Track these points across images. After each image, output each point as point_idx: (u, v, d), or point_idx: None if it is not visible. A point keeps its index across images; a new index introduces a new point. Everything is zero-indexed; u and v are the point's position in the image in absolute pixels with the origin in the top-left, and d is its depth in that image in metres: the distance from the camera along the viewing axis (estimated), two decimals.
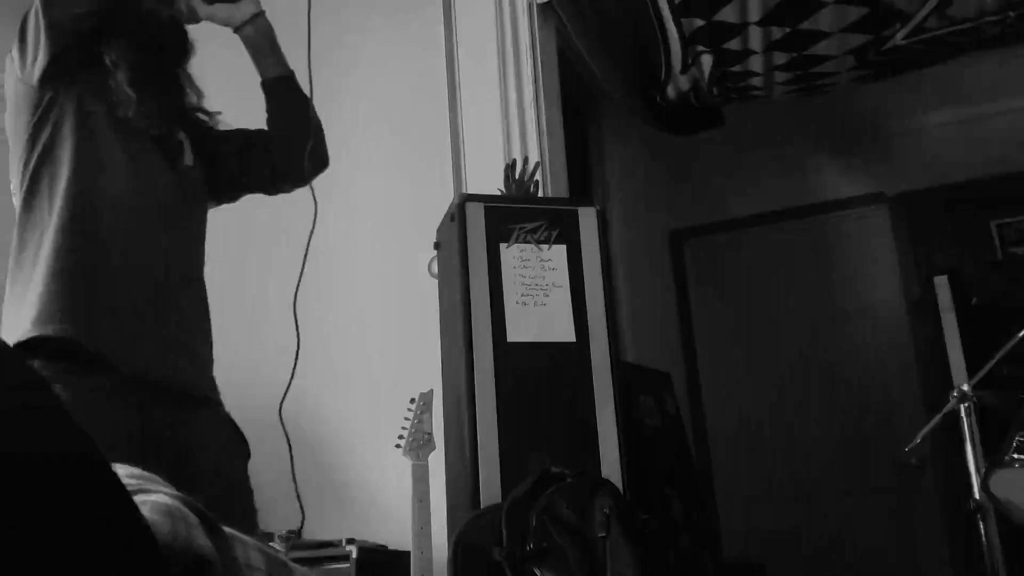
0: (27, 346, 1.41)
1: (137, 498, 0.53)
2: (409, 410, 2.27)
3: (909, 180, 4.60)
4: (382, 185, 3.11)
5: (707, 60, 3.43)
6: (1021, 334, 2.55)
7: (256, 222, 2.82)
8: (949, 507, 4.04)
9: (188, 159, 1.70)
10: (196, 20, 1.70)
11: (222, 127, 1.79)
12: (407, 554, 2.16)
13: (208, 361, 1.65)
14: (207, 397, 1.62)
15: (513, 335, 2.37)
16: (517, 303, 2.41)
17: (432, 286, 2.72)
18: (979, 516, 2.54)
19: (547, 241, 2.48)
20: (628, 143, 4.65)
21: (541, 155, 2.97)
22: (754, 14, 3.17)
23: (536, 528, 1.97)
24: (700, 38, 3.33)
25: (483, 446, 2.26)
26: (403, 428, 2.25)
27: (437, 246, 2.67)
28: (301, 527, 1.97)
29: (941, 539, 4.19)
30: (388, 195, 3.11)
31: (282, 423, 1.69)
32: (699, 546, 3.29)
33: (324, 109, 1.84)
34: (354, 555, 2.45)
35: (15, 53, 1.53)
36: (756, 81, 3.60)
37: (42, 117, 1.53)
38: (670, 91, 3.67)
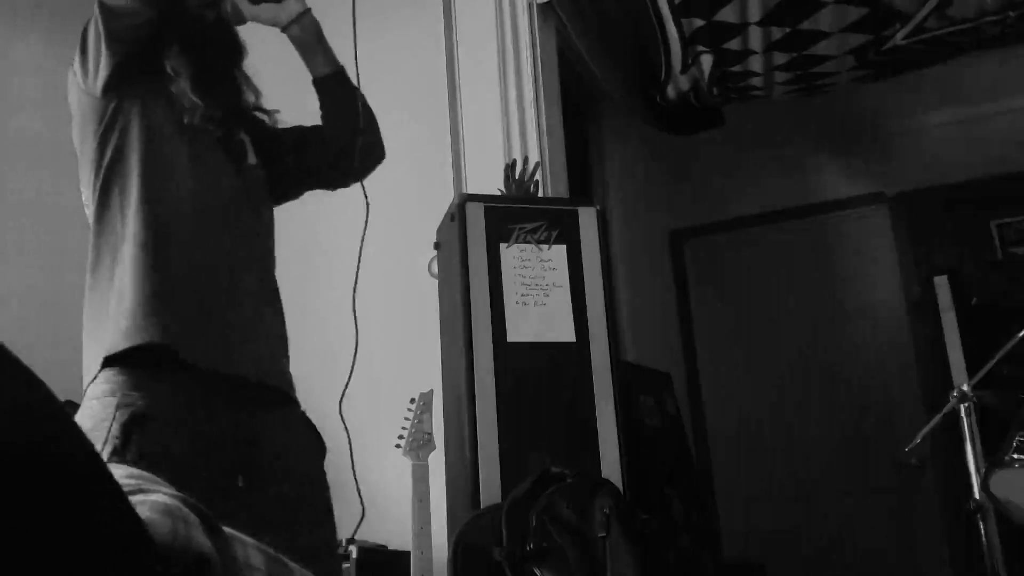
0: (120, 358, 1.43)
1: (136, 498, 0.53)
2: (409, 410, 2.27)
3: (909, 180, 4.60)
4: (382, 185, 3.11)
5: (707, 60, 3.43)
6: (1021, 334, 2.55)
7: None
8: (949, 507, 4.04)
9: (251, 159, 1.71)
10: (242, 21, 1.71)
11: (280, 125, 1.80)
12: (407, 554, 2.16)
13: (285, 358, 1.66)
14: (286, 395, 1.63)
15: (513, 335, 2.37)
16: (517, 303, 2.41)
17: (432, 286, 2.72)
18: (979, 516, 2.54)
19: (547, 241, 2.48)
20: (628, 143, 4.65)
21: (541, 155, 2.97)
22: (754, 14, 3.18)
23: (536, 528, 1.97)
24: (700, 38, 3.33)
25: (483, 446, 2.26)
26: (403, 428, 2.25)
27: (437, 246, 2.67)
28: (360, 524, 1.97)
29: (941, 539, 4.19)
30: (388, 195, 3.10)
31: (343, 419, 1.74)
32: (699, 546, 3.29)
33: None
34: (354, 555, 2.45)
35: (77, 66, 1.55)
36: (756, 81, 3.60)
37: (108, 127, 1.54)
38: (670, 91, 3.67)
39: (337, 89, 1.78)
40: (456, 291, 2.43)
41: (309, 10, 1.74)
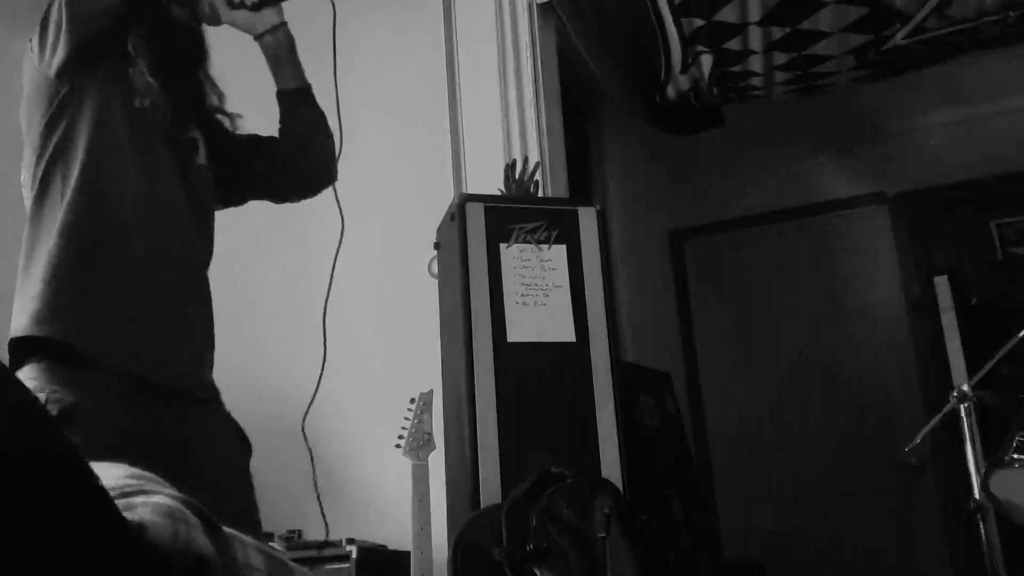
0: (25, 344, 1.41)
1: (137, 499, 0.53)
2: (409, 410, 2.27)
3: (909, 180, 4.60)
4: (382, 185, 3.11)
5: (707, 60, 3.43)
6: (1021, 334, 2.55)
7: (256, 229, 2.82)
8: (949, 507, 4.04)
9: (201, 158, 1.70)
10: (218, 23, 1.71)
11: (240, 131, 1.79)
12: (407, 554, 2.16)
13: (209, 361, 1.65)
14: (209, 396, 1.62)
15: (513, 335, 2.37)
16: (517, 303, 2.41)
17: (432, 286, 2.72)
18: (979, 516, 2.54)
19: (547, 241, 2.48)
20: (628, 143, 4.65)
21: (541, 155, 2.97)
22: (754, 14, 3.17)
23: (536, 528, 1.97)
24: (700, 38, 3.33)
25: (483, 446, 2.26)
26: (403, 428, 2.25)
27: (437, 246, 2.67)
28: (326, 538, 1.98)
29: (941, 539, 4.19)
30: (388, 195, 3.11)
31: (304, 436, 1.71)
32: (699, 546, 3.29)
33: (323, 108, 1.85)
34: (354, 555, 2.45)
35: (35, 43, 1.51)
36: (756, 81, 3.60)
37: (57, 111, 1.51)
38: (670, 91, 3.67)
39: (299, 105, 1.78)
40: (456, 291, 2.43)
41: (285, 24, 1.75)
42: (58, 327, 1.42)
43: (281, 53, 1.75)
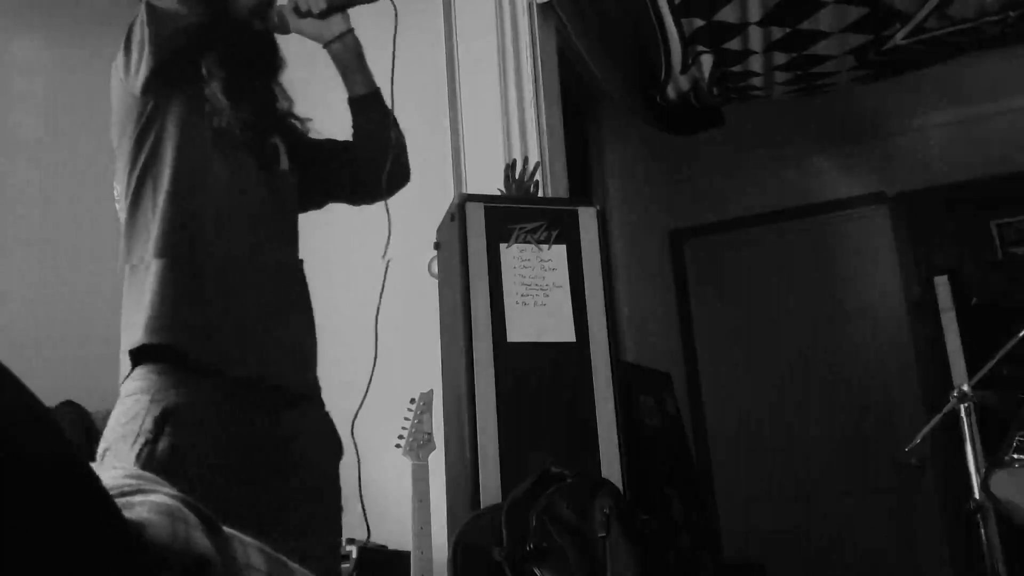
0: (140, 352, 1.46)
1: (136, 499, 0.53)
2: (409, 410, 2.27)
3: (909, 180, 4.60)
4: None
5: (707, 60, 3.43)
6: (1021, 334, 2.55)
7: None
8: (949, 507, 4.04)
9: (284, 164, 1.73)
10: (287, 32, 1.74)
11: (312, 134, 1.83)
12: (407, 554, 2.16)
13: (312, 360, 1.69)
14: (310, 396, 1.66)
15: (513, 335, 2.37)
16: (517, 303, 2.41)
17: (432, 286, 2.72)
18: (979, 516, 2.54)
19: (547, 241, 2.48)
20: (628, 143, 4.65)
21: (541, 155, 2.97)
22: (754, 14, 3.17)
23: (536, 528, 1.97)
24: (700, 38, 3.33)
25: (483, 446, 2.26)
26: (403, 428, 2.25)
27: (437, 246, 2.67)
28: (367, 540, 2.00)
29: (941, 539, 4.19)
30: None
31: (353, 440, 1.72)
32: (699, 546, 3.29)
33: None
34: (354, 555, 2.45)
35: (120, 63, 1.56)
36: (756, 81, 3.60)
37: (146, 126, 1.56)
38: (670, 91, 3.67)
39: (371, 110, 1.81)
40: (456, 291, 2.43)
41: (352, 30, 1.78)
42: (169, 334, 1.47)
43: (350, 60, 1.79)
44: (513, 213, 2.50)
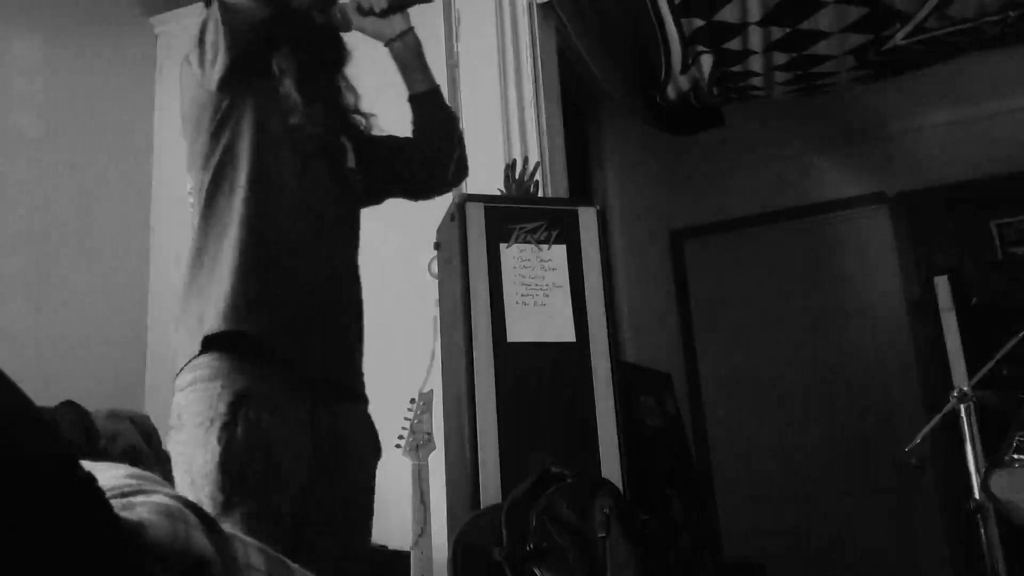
0: (214, 340, 1.47)
1: (137, 499, 0.53)
2: (409, 410, 2.27)
3: (909, 180, 4.60)
4: None
5: (707, 60, 3.43)
6: (1021, 334, 2.55)
7: None
8: (949, 507, 4.04)
9: (350, 161, 1.76)
10: (348, 29, 1.76)
11: (375, 131, 1.85)
12: (407, 554, 2.16)
13: (361, 357, 1.72)
14: (359, 394, 1.69)
15: (513, 335, 2.37)
16: (517, 303, 2.41)
17: (432, 286, 2.72)
18: (979, 516, 2.54)
19: (547, 241, 2.48)
20: (628, 143, 4.65)
21: (541, 155, 2.97)
22: (754, 14, 3.17)
23: (536, 528, 1.97)
24: (700, 38, 3.33)
25: (483, 446, 2.26)
26: (403, 428, 2.25)
27: (437, 246, 2.67)
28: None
29: (941, 539, 4.19)
30: None
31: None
32: (699, 546, 3.29)
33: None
34: None
35: (193, 60, 1.58)
36: (756, 81, 3.60)
37: (221, 122, 1.59)
38: (670, 91, 3.67)
39: (432, 106, 1.84)
40: (456, 291, 2.42)
41: (412, 29, 1.80)
42: (245, 323, 1.48)
43: (410, 58, 1.81)
44: (513, 213, 2.50)
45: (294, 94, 1.63)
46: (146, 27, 3.89)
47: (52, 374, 3.04)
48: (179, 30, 3.88)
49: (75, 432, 2.54)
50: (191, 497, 1.37)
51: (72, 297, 3.33)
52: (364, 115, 1.82)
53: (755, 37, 3.28)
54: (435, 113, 1.85)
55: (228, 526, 1.31)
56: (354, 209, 1.78)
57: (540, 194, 2.82)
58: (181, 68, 1.64)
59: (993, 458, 2.45)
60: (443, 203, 2.69)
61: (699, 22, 3.24)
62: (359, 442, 1.64)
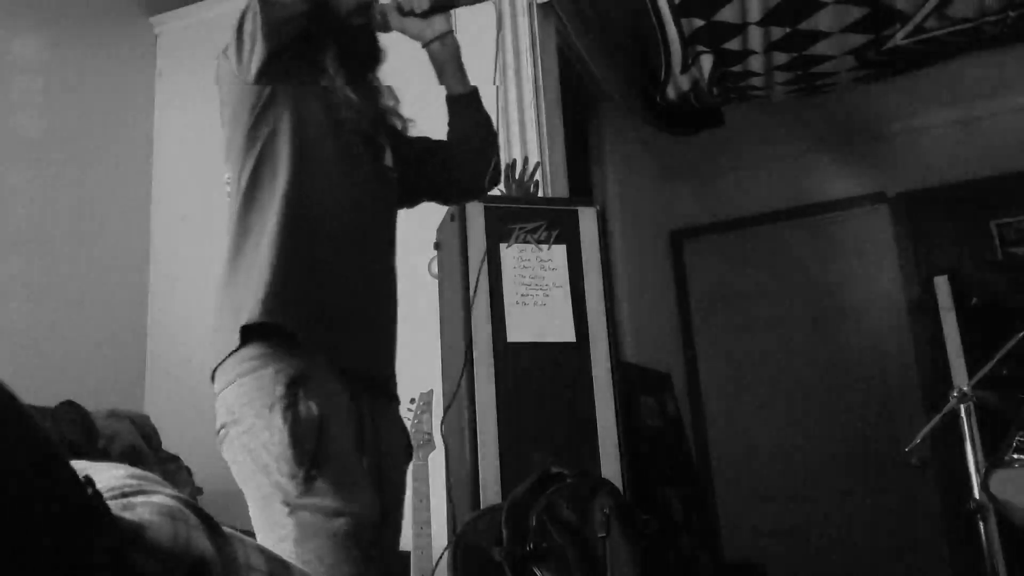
0: (256, 331, 1.44)
1: (137, 499, 0.53)
2: (409, 410, 2.27)
3: (909, 180, 4.60)
4: None
5: (707, 60, 3.43)
6: (1021, 334, 2.55)
7: None
8: (949, 507, 4.04)
9: (388, 160, 1.74)
10: (387, 30, 1.76)
11: (410, 133, 1.84)
12: (407, 554, 2.16)
13: (395, 356, 1.71)
14: (395, 394, 1.69)
15: (513, 335, 2.37)
16: (517, 303, 2.41)
17: (432, 286, 2.72)
18: (979, 516, 2.54)
19: (547, 241, 2.48)
20: (628, 143, 4.65)
21: (541, 155, 2.97)
22: (754, 14, 3.17)
23: (536, 528, 1.97)
24: (700, 38, 3.33)
25: (483, 446, 2.26)
26: None
27: (437, 246, 2.67)
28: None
29: (941, 539, 4.19)
30: None
31: (443, 437, 1.74)
32: (699, 546, 3.29)
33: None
34: None
35: (232, 52, 1.57)
36: (756, 81, 3.60)
37: (261, 113, 1.57)
38: (670, 91, 3.67)
39: (467, 109, 1.84)
40: (456, 291, 2.42)
41: (452, 31, 1.80)
42: (283, 316, 1.45)
43: (449, 60, 1.81)
44: (513, 213, 2.50)
45: (340, 88, 1.62)
46: (146, 27, 3.89)
47: (52, 374, 3.04)
48: (179, 30, 3.88)
49: (75, 432, 2.54)
50: (267, 485, 1.35)
51: (72, 297, 3.33)
52: (403, 118, 1.82)
53: (755, 37, 3.28)
54: (473, 116, 1.84)
55: (317, 500, 1.33)
56: (392, 208, 1.76)
57: (540, 194, 2.82)
58: (218, 60, 1.62)
59: (993, 458, 2.45)
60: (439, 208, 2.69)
61: (699, 22, 3.24)
62: (393, 442, 1.63)
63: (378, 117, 1.74)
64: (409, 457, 1.69)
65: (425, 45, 1.80)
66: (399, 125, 1.81)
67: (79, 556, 0.44)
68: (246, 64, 1.54)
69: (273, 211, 1.52)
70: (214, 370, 1.47)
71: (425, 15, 1.74)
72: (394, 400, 1.69)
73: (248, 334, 1.44)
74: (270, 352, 1.43)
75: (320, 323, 1.50)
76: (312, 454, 1.36)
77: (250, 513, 1.43)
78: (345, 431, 1.44)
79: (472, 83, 1.85)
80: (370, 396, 1.57)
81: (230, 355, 1.44)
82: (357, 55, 1.71)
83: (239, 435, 1.41)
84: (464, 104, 1.84)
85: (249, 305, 1.45)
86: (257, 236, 1.52)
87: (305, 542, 1.33)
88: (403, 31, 1.76)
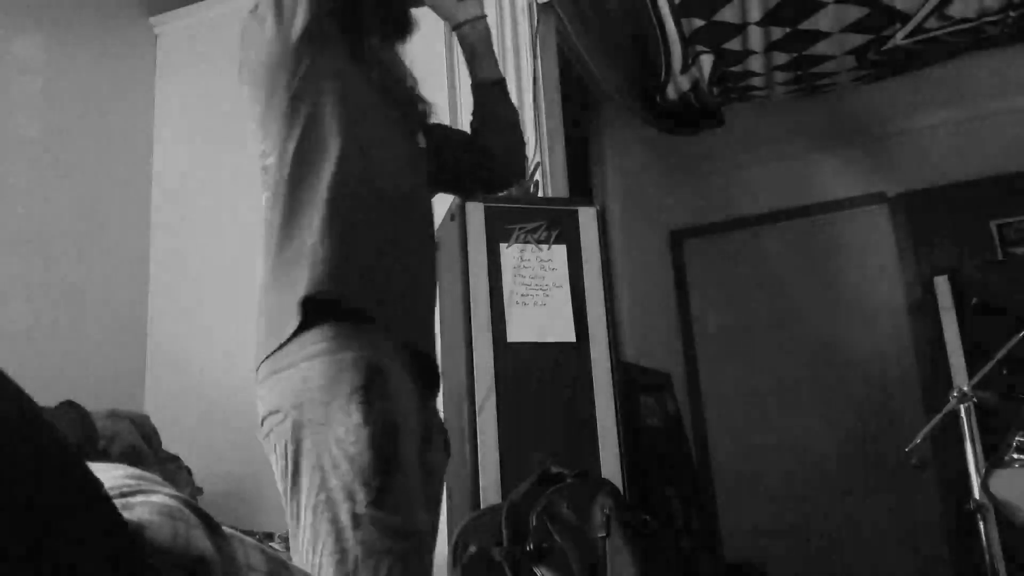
0: (319, 309, 1.31)
1: (137, 499, 0.53)
2: None
3: (909, 180, 4.60)
4: None
5: (707, 60, 3.43)
6: (1021, 334, 2.55)
7: None
8: (949, 507, 4.04)
9: (421, 141, 1.67)
10: (419, 4, 1.68)
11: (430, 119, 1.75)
12: None
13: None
14: (439, 378, 1.57)
15: (513, 335, 2.37)
16: (517, 303, 2.41)
17: None
18: (979, 516, 2.54)
19: (547, 241, 2.48)
20: (628, 143, 4.65)
21: (541, 155, 2.97)
22: (754, 14, 3.18)
23: (536, 528, 1.97)
24: (700, 38, 3.33)
25: (483, 446, 2.26)
26: None
27: (436, 246, 2.67)
28: None
29: (941, 539, 4.19)
30: None
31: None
32: (699, 546, 3.29)
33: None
34: None
35: (268, 11, 1.46)
36: (756, 81, 3.60)
37: (305, 78, 1.45)
38: (670, 91, 3.67)
39: (497, 96, 1.76)
40: (456, 291, 2.43)
41: (485, 16, 1.73)
42: (355, 293, 1.34)
43: (480, 44, 1.74)
44: (513, 213, 2.50)
45: (385, 58, 1.55)
46: (146, 27, 3.89)
47: (52, 374, 3.04)
48: (179, 30, 3.88)
49: (75, 432, 2.54)
50: (337, 489, 1.20)
51: (72, 297, 3.33)
52: (424, 101, 1.73)
53: (755, 37, 3.28)
54: (507, 102, 1.76)
55: (385, 515, 1.18)
56: (427, 186, 1.65)
57: (540, 194, 2.82)
58: (245, 24, 1.50)
59: (993, 458, 2.45)
60: (443, 202, 2.69)
61: (699, 22, 3.24)
62: (441, 439, 1.53)
63: (411, 91, 1.67)
64: (448, 454, 1.57)
65: (455, 27, 1.72)
66: (420, 107, 1.72)
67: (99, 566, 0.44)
68: (287, 23, 1.44)
69: (327, 181, 1.39)
70: (267, 356, 1.31)
71: None
72: (436, 388, 1.55)
73: (312, 315, 1.29)
74: (343, 334, 1.28)
75: (388, 300, 1.39)
76: (390, 460, 1.23)
77: (288, 518, 1.26)
78: (416, 433, 1.33)
79: (501, 73, 1.77)
80: (427, 384, 1.46)
81: (292, 338, 1.28)
82: (394, 21, 1.63)
83: (302, 425, 1.25)
84: (498, 91, 1.76)
85: (314, 281, 1.31)
86: (312, 208, 1.38)
87: (367, 560, 1.18)
88: (435, 8, 1.69)
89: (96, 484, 0.46)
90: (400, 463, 1.24)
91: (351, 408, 1.23)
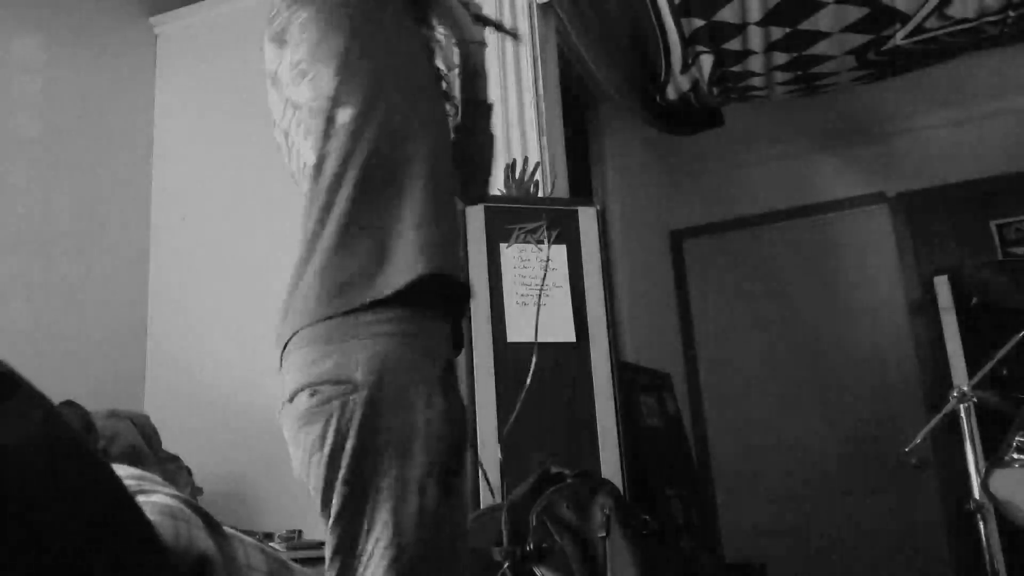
0: (418, 285, 1.20)
1: (138, 499, 0.53)
2: None
3: (909, 180, 4.61)
4: None
5: (707, 60, 3.43)
6: (1021, 334, 2.55)
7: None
8: (949, 507, 4.05)
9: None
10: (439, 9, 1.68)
11: None
12: None
13: None
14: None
15: (513, 335, 2.37)
16: (517, 303, 2.41)
17: None
18: (979, 516, 2.54)
19: (547, 241, 2.48)
20: (628, 143, 4.65)
21: (541, 155, 2.97)
22: (754, 14, 3.18)
23: (536, 528, 1.97)
24: (700, 38, 3.33)
25: (483, 446, 2.26)
26: None
27: None
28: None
29: (941, 539, 4.19)
30: None
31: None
32: (699, 546, 3.29)
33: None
34: None
35: None
36: (756, 81, 3.60)
37: (366, 39, 1.35)
38: (670, 91, 3.67)
39: (483, 119, 1.74)
40: None
41: (487, 45, 1.73)
42: (444, 261, 1.25)
43: (480, 67, 1.73)
44: (513, 213, 2.50)
45: (428, 20, 1.54)
46: (146, 27, 3.89)
47: (52, 374, 3.04)
48: (179, 30, 3.88)
49: None
50: (413, 480, 1.08)
51: (72, 297, 3.33)
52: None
53: (755, 37, 3.28)
54: (489, 126, 1.75)
55: (448, 513, 1.08)
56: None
57: (540, 194, 2.82)
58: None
59: (993, 458, 2.45)
60: None
61: (699, 22, 3.24)
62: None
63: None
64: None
65: (459, 43, 1.75)
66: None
67: None
68: None
69: (427, 160, 1.31)
70: (317, 321, 1.18)
71: (475, 19, 1.72)
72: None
73: (401, 293, 1.18)
74: (420, 317, 1.20)
75: (459, 265, 1.33)
76: (462, 460, 1.15)
77: (333, 510, 1.08)
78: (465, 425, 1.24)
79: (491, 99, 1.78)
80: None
81: (363, 309, 1.16)
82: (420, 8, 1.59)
83: (379, 401, 1.12)
84: (483, 112, 1.75)
85: (430, 261, 1.21)
86: (409, 181, 1.28)
87: (421, 564, 1.09)
88: (454, 17, 1.67)
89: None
90: (466, 465, 1.19)
91: (435, 391, 1.15)
